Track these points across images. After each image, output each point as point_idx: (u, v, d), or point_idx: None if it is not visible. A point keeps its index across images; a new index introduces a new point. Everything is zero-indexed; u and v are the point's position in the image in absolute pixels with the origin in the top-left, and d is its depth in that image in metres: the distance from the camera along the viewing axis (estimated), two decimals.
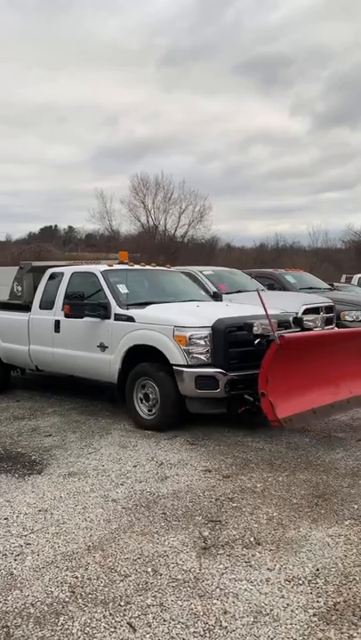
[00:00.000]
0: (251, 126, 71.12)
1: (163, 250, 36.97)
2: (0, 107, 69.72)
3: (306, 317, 6.32)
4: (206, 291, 9.04)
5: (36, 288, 7.35)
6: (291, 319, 6.15)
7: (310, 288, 11.03)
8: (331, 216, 71.58)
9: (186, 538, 3.38)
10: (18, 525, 3.57)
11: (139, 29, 68.20)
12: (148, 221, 39.86)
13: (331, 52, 65.87)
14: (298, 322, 6.05)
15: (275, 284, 10.93)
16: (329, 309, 9.00)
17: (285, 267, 14.79)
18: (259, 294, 5.17)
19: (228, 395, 5.28)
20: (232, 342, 5.40)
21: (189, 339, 5.37)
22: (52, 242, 45.90)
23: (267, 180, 67.83)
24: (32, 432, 5.73)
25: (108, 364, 6.07)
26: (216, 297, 7.57)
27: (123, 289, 6.42)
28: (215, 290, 9.00)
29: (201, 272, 9.67)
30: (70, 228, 57.96)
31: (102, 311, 6.13)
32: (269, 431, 5.67)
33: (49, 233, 55.38)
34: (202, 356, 5.38)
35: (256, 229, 77.63)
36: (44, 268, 7.46)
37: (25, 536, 3.42)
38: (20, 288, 7.65)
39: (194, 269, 9.86)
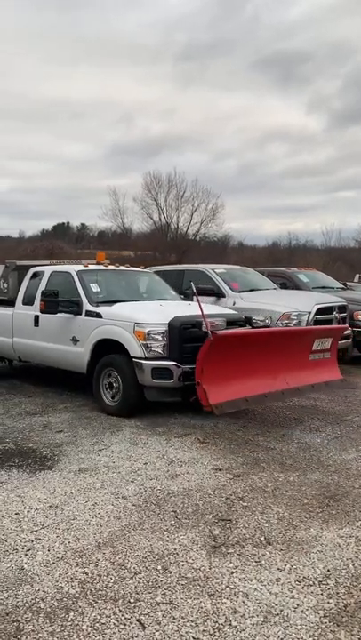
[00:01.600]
0: (267, 124, 71.08)
1: (175, 248, 36.94)
2: (16, 102, 70.20)
3: (255, 317, 6.96)
4: (219, 288, 9.06)
5: (20, 285, 7.96)
6: (243, 318, 6.87)
7: (323, 287, 10.94)
8: (346, 215, 71.24)
9: (196, 536, 3.38)
10: (29, 520, 3.59)
11: (156, 25, 68.29)
12: (160, 219, 39.89)
13: (351, 47, 65.28)
14: (248, 320, 6.77)
15: (287, 283, 10.86)
16: (342, 309, 8.93)
17: (298, 266, 14.70)
18: (196, 297, 5.76)
19: (182, 385, 5.75)
20: (186, 338, 5.87)
21: (147, 334, 5.89)
22: (65, 239, 46.07)
23: (282, 178, 67.68)
24: (43, 428, 5.75)
25: (79, 356, 6.63)
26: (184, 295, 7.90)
27: (95, 288, 6.97)
28: (229, 287, 9.05)
29: (213, 270, 9.63)
30: (83, 225, 58.23)
31: (75, 308, 6.73)
32: (281, 431, 5.65)
33: (61, 230, 55.62)
34: (159, 350, 5.90)
35: (270, 228, 77.53)
36: (28, 267, 8.10)
37: (35, 531, 3.44)
38: (5, 285, 8.35)
39: (206, 267, 9.83)
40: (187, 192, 39.10)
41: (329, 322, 8.44)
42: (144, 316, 6.11)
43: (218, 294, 9.05)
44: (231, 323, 6.45)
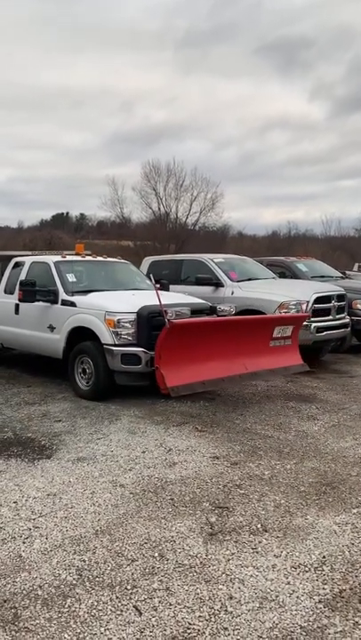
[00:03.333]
0: (269, 111, 70.33)
1: (174, 237, 36.77)
2: (17, 92, 69.54)
3: (220, 306, 7.15)
4: (217, 278, 9.06)
5: (2, 275, 8.37)
6: (209, 306, 7.06)
7: (322, 276, 10.90)
8: (347, 204, 70.80)
9: (193, 523, 3.39)
10: (27, 509, 3.61)
11: (157, 10, 67.31)
12: (159, 209, 39.54)
13: (355, 33, 64.33)
14: (213, 309, 7.02)
15: (286, 272, 10.83)
16: (341, 298, 8.91)
17: (298, 255, 14.64)
18: (155, 286, 6.17)
19: (150, 369, 5.92)
20: (153, 326, 6.07)
21: (117, 322, 6.18)
22: (64, 229, 45.89)
23: (283, 166, 67.13)
24: (42, 417, 5.77)
25: (56, 342, 6.96)
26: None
27: (71, 278, 7.25)
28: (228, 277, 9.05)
29: (212, 260, 9.61)
30: (82, 215, 58.01)
31: (52, 297, 7.05)
32: (278, 419, 5.67)
33: (60, 220, 55.41)
34: (128, 337, 6.19)
35: (270, 217, 77.09)
36: (10, 257, 8.55)
37: (33, 519, 3.46)
38: None
39: (205, 257, 9.80)
40: (186, 181, 38.73)
41: (327, 311, 8.45)
42: (115, 305, 6.42)
43: (216, 284, 9.04)
44: (197, 311, 6.73)
